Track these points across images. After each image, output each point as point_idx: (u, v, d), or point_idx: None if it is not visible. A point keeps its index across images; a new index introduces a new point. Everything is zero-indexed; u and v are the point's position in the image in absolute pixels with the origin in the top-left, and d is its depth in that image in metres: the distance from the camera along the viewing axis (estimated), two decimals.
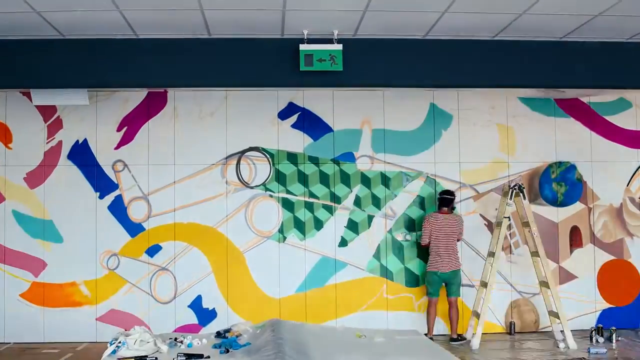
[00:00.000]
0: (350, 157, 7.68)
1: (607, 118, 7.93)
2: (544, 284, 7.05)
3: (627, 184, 7.90)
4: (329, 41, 6.21)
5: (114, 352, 4.47)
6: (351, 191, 7.65)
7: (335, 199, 7.63)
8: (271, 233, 7.56)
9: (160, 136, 7.54)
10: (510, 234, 7.71)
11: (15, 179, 7.42)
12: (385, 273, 7.62)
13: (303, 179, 7.62)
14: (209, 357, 4.39)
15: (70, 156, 7.48)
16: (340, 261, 7.58)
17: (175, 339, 4.89)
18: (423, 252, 7.63)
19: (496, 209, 7.50)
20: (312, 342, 4.78)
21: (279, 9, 5.69)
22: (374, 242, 7.64)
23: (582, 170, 7.76)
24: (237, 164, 7.59)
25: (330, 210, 7.62)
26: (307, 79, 6.33)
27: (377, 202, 7.66)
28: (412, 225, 7.68)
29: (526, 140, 7.83)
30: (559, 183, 7.71)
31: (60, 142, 7.48)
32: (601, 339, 7.03)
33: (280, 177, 7.60)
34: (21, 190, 7.41)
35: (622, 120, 7.94)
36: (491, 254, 7.18)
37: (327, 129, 7.67)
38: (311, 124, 7.65)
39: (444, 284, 7.26)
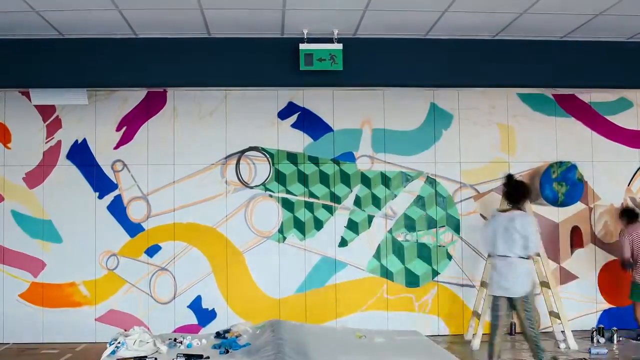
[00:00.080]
0: (350, 157, 7.66)
1: (608, 118, 7.92)
2: (545, 284, 7.03)
3: (628, 184, 7.88)
4: (329, 40, 6.20)
5: (113, 352, 4.46)
6: (351, 191, 7.63)
7: (335, 199, 7.61)
8: (271, 233, 7.55)
9: (159, 136, 7.52)
10: None
11: (14, 179, 7.40)
12: (386, 273, 7.60)
13: (303, 178, 7.60)
14: (208, 357, 4.38)
15: (70, 156, 7.46)
16: (340, 261, 7.56)
17: (175, 340, 4.88)
18: (423, 252, 7.62)
19: (497, 209, 7.47)
20: (312, 342, 4.76)
21: (278, 8, 5.68)
22: (374, 242, 7.63)
23: (583, 170, 7.73)
24: (236, 164, 7.57)
25: (330, 210, 7.60)
26: (307, 78, 6.32)
27: (377, 202, 7.64)
28: (412, 225, 7.66)
29: (527, 139, 7.81)
30: (560, 183, 7.69)
31: (59, 142, 7.46)
32: (602, 340, 7.02)
33: (280, 177, 7.58)
34: (20, 190, 7.39)
35: (623, 120, 7.93)
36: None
37: (327, 128, 7.65)
38: (311, 123, 7.63)
39: None
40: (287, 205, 7.57)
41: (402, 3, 5.61)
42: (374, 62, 6.43)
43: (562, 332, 6.89)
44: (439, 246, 7.66)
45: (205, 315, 7.42)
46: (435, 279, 7.64)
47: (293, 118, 7.64)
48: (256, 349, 4.52)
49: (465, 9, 5.77)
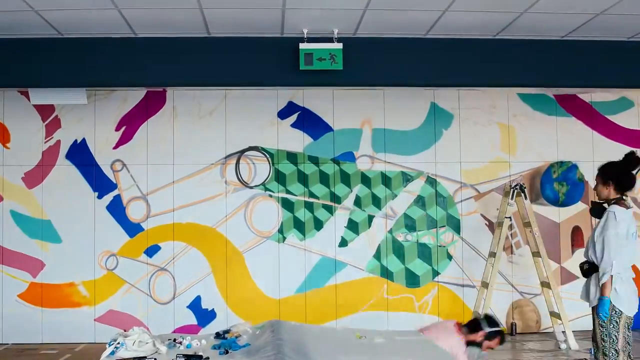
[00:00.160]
0: (350, 156, 7.64)
1: (609, 117, 7.90)
2: (546, 284, 7.02)
3: None
4: (329, 40, 6.18)
5: (112, 353, 4.43)
6: (351, 191, 7.61)
7: (335, 198, 7.59)
8: (271, 233, 7.53)
9: (159, 136, 7.50)
10: (511, 234, 7.67)
11: (13, 178, 7.38)
12: (386, 273, 7.58)
13: (303, 178, 7.58)
14: (208, 358, 4.36)
15: (69, 156, 7.44)
16: (340, 261, 7.54)
17: (174, 340, 4.85)
18: (423, 253, 7.61)
19: (497, 209, 7.46)
20: (312, 342, 4.74)
21: (278, 7, 5.66)
22: (374, 242, 7.61)
23: (584, 170, 7.73)
24: (236, 164, 7.55)
25: (330, 210, 7.58)
26: (306, 78, 6.30)
27: (377, 202, 7.62)
28: (412, 225, 7.64)
29: (527, 139, 7.79)
30: (561, 183, 7.68)
31: (58, 142, 7.44)
32: None
33: (279, 177, 7.57)
34: (19, 190, 7.37)
35: (623, 119, 7.91)
36: (492, 254, 7.15)
37: (327, 128, 7.63)
38: (311, 123, 7.61)
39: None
40: (287, 205, 7.55)
41: (402, 2, 5.59)
42: (374, 61, 6.42)
43: (563, 332, 6.86)
44: (440, 246, 7.64)
45: (204, 316, 7.40)
46: (436, 279, 7.62)
47: (293, 118, 7.62)
48: (256, 349, 4.50)
49: (466, 9, 5.75)
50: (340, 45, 6.12)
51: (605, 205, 4.81)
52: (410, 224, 7.65)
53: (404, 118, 7.68)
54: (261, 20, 5.99)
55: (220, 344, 4.74)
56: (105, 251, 7.39)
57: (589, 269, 4.81)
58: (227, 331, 5.10)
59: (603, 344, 4.77)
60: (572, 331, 6.86)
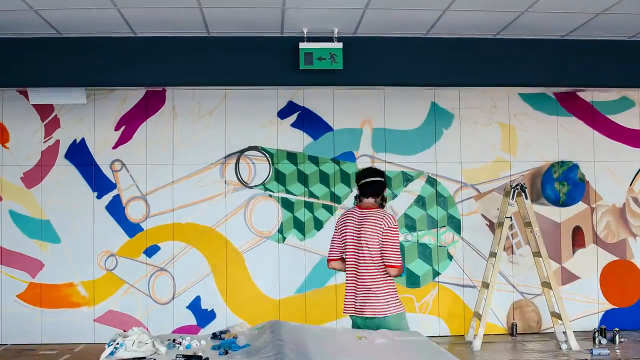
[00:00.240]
0: (350, 156, 7.62)
1: (610, 117, 7.88)
2: (546, 284, 7.00)
3: (630, 184, 7.84)
4: (329, 39, 6.17)
5: (111, 353, 4.40)
6: (351, 191, 7.59)
7: (336, 198, 7.57)
8: (270, 233, 7.51)
9: (158, 135, 7.48)
10: (512, 234, 7.65)
11: (12, 178, 7.36)
12: None
13: (303, 178, 7.56)
14: (207, 358, 4.33)
15: (68, 156, 7.42)
16: None
17: (174, 340, 4.82)
18: (424, 253, 7.58)
19: (498, 209, 7.44)
20: (312, 343, 4.72)
21: (278, 7, 5.64)
22: None
23: (585, 170, 7.71)
24: (236, 164, 7.53)
25: (330, 210, 7.56)
26: (306, 77, 6.29)
27: None
28: (413, 225, 7.62)
29: (528, 139, 7.77)
30: (562, 183, 7.66)
31: (57, 142, 7.42)
32: (604, 340, 6.98)
33: (279, 177, 7.54)
34: (18, 190, 7.35)
35: (625, 119, 7.89)
36: (493, 255, 7.13)
37: (327, 128, 7.61)
38: (311, 123, 7.59)
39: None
40: (287, 205, 7.53)
41: (402, 1, 5.58)
42: (375, 61, 6.40)
43: (564, 332, 6.84)
44: (440, 246, 7.62)
45: (204, 316, 7.38)
46: (436, 279, 7.60)
47: (293, 117, 7.60)
48: (256, 349, 4.48)
49: (466, 8, 5.74)
50: (340, 45, 6.10)
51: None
52: (410, 224, 7.62)
53: (404, 118, 7.66)
54: (261, 20, 5.97)
55: (220, 344, 4.71)
56: (105, 251, 7.37)
57: None
58: (224, 332, 5.08)
59: None
60: (573, 332, 6.84)
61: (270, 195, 7.54)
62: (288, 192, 7.54)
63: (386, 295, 4.48)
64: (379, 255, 4.44)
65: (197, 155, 7.47)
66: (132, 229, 7.40)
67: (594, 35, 6.47)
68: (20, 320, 7.21)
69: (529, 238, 7.16)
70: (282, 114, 7.59)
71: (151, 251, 7.40)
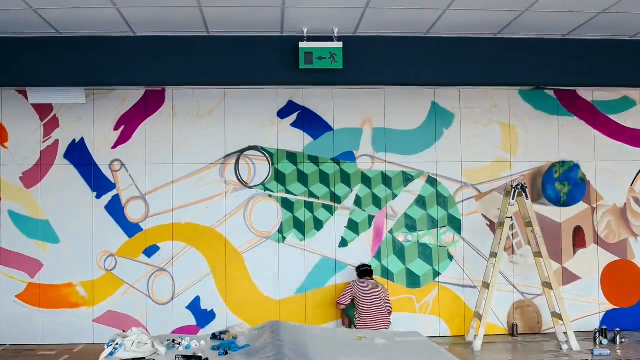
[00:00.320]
0: (350, 156, 7.60)
1: (611, 117, 7.86)
2: (547, 284, 6.98)
3: (631, 184, 7.83)
4: (329, 39, 6.16)
5: (111, 354, 4.40)
6: (351, 191, 7.57)
7: (336, 198, 7.56)
8: (270, 233, 7.49)
9: (158, 135, 7.46)
10: (512, 234, 7.64)
11: (11, 178, 7.34)
12: (386, 274, 7.54)
13: (303, 178, 7.54)
14: (207, 359, 4.33)
15: (67, 155, 7.40)
16: (341, 262, 7.50)
17: (173, 341, 4.82)
18: (424, 253, 7.57)
19: (498, 209, 7.43)
20: (312, 343, 4.71)
21: (278, 6, 5.63)
22: (374, 242, 7.57)
23: (586, 170, 7.70)
24: (236, 164, 7.52)
25: (330, 210, 7.55)
26: (306, 77, 6.28)
27: (377, 202, 7.58)
28: (413, 225, 7.60)
29: (529, 139, 7.76)
30: (562, 183, 7.65)
31: (56, 141, 7.40)
32: (605, 341, 6.97)
33: (279, 177, 7.53)
34: (17, 190, 7.33)
35: (626, 119, 7.87)
36: (493, 255, 7.11)
37: (327, 127, 7.60)
38: (311, 122, 7.58)
39: None
40: (287, 205, 7.51)
41: (403, 1, 5.57)
42: (375, 60, 6.39)
43: (565, 333, 6.83)
44: (440, 246, 7.61)
45: (204, 316, 7.36)
46: (436, 279, 7.58)
47: (293, 117, 7.58)
48: (256, 350, 4.47)
49: (466, 7, 5.72)
50: (340, 44, 6.09)
51: None
52: (410, 224, 7.61)
53: (404, 117, 7.64)
54: (261, 19, 5.96)
55: (220, 344, 4.71)
56: (104, 251, 7.35)
57: None
58: (224, 332, 5.07)
59: None
60: (574, 332, 6.83)
61: (270, 195, 7.52)
62: (288, 192, 7.52)
63: None
64: None
65: (196, 155, 7.46)
66: (131, 229, 7.39)
67: (595, 35, 6.46)
68: (19, 321, 7.20)
69: (529, 238, 7.15)
70: (282, 113, 7.58)
71: (151, 251, 7.38)
